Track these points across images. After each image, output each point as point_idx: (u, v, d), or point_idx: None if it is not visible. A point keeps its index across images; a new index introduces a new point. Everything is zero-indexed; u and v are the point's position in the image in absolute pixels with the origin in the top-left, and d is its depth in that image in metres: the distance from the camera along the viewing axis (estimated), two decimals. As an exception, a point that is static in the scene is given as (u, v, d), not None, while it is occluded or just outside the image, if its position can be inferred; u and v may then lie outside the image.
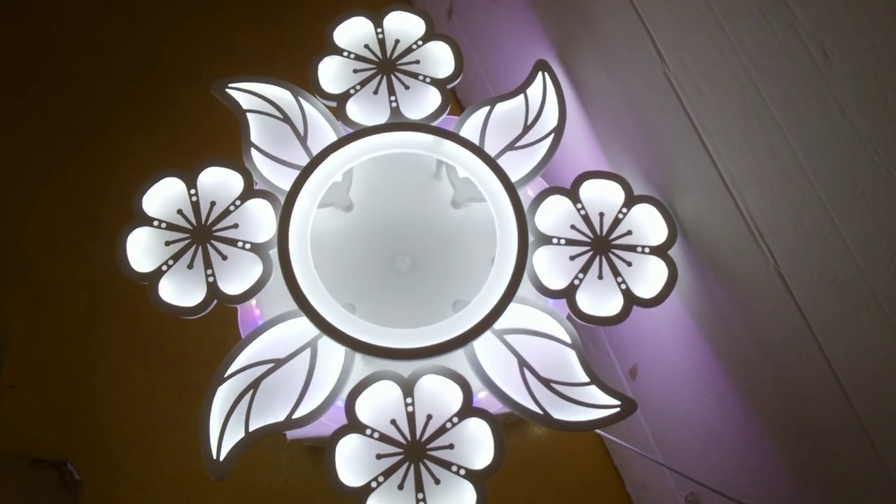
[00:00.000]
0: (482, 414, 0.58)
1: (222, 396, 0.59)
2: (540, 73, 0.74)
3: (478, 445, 0.58)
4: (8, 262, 0.99)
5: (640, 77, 0.65)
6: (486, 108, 0.71)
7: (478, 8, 0.94)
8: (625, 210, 0.67)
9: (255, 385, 0.60)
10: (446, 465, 0.57)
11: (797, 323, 0.56)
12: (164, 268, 0.61)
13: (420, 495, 0.56)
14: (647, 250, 0.65)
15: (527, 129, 0.72)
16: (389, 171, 0.74)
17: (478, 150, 0.65)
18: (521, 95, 0.73)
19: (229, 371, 0.60)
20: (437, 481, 0.56)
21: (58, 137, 1.08)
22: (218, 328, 0.93)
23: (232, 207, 0.63)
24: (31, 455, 0.91)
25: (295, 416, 0.59)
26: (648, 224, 0.66)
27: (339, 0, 1.14)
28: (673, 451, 0.77)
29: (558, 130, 0.72)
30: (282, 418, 0.59)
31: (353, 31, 0.72)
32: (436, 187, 0.73)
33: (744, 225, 0.58)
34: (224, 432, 0.58)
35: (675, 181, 0.66)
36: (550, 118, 0.72)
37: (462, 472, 0.57)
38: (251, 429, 0.58)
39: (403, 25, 0.72)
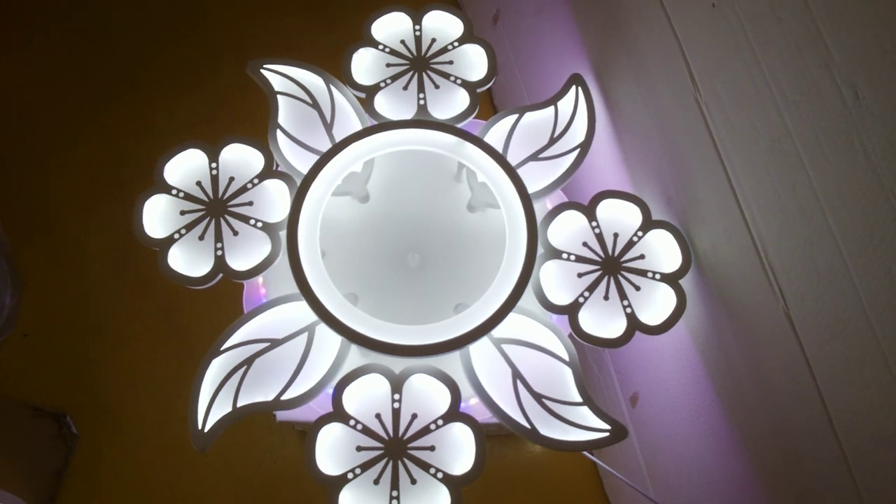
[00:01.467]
0: (468, 420, 0.59)
1: (216, 369, 0.61)
2: (573, 87, 0.74)
3: (459, 451, 0.58)
4: (35, 213, 1.02)
5: (672, 100, 0.65)
6: (515, 116, 0.72)
7: (523, 17, 0.94)
8: (640, 233, 0.66)
9: (248, 362, 0.61)
10: (425, 466, 0.57)
11: (801, 371, 0.55)
12: (176, 236, 0.62)
13: (394, 493, 0.56)
14: (657, 276, 0.64)
15: (553, 140, 0.72)
16: (410, 168, 0.74)
17: (498, 157, 0.66)
18: (552, 107, 0.73)
19: (226, 345, 0.61)
20: (414, 481, 0.57)
21: (97, 97, 1.11)
22: (228, 305, 0.95)
23: (250, 185, 0.65)
24: (34, 403, 0.94)
25: (283, 397, 0.60)
26: (663, 250, 0.66)
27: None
28: (665, 486, 0.76)
29: (584, 146, 0.72)
30: (270, 398, 0.60)
31: (391, 26, 0.73)
32: (454, 189, 0.74)
33: (758, 262, 0.58)
34: (212, 405, 0.59)
35: (694, 210, 0.65)
36: (578, 133, 0.72)
37: (440, 475, 0.57)
38: (239, 405, 0.59)
39: (442, 25, 0.73)
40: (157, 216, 0.63)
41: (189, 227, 0.63)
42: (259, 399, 0.60)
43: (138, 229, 0.62)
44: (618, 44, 0.72)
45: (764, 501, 0.63)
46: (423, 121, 0.66)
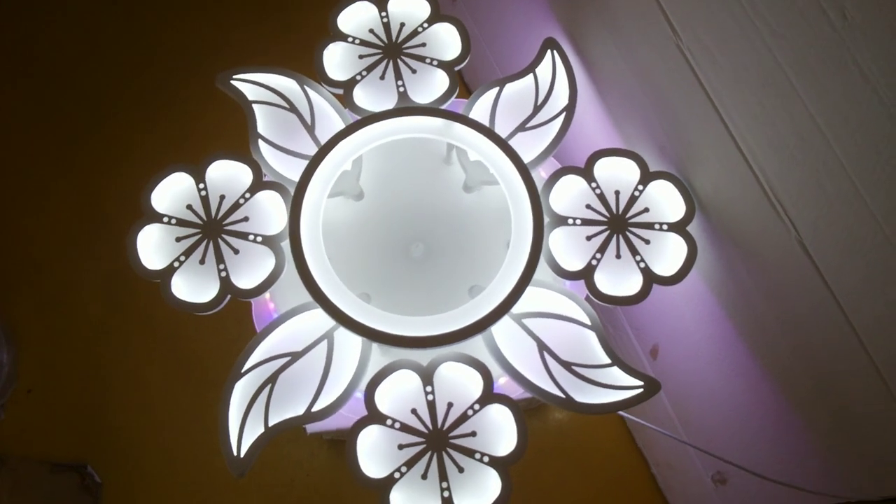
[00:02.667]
0: (504, 400, 0.58)
1: (240, 392, 0.59)
2: (549, 52, 0.73)
3: (500, 432, 0.58)
4: (18, 265, 1.00)
5: (652, 51, 0.64)
6: (496, 90, 0.71)
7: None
8: (640, 187, 0.66)
9: (272, 379, 0.60)
10: (469, 452, 0.57)
11: (823, 295, 0.55)
12: (176, 264, 0.61)
13: (444, 484, 0.56)
14: (664, 227, 0.64)
15: (537, 108, 0.71)
16: (399, 158, 0.73)
17: (489, 132, 0.65)
18: (531, 75, 0.73)
19: (246, 366, 0.60)
20: (461, 469, 0.56)
21: (61, 138, 1.08)
22: (232, 324, 0.94)
23: (241, 200, 0.63)
24: (52, 460, 0.92)
25: (314, 408, 0.59)
26: (665, 200, 0.66)
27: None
28: (699, 430, 0.77)
29: (569, 109, 0.71)
30: (301, 412, 0.59)
31: (357, 16, 0.71)
32: (447, 172, 0.73)
33: (764, 197, 0.58)
34: (244, 428, 0.58)
35: (691, 156, 0.65)
36: (561, 97, 0.72)
37: (486, 459, 0.57)
38: (271, 423, 0.58)
39: (408, 8, 0.72)
40: (153, 247, 0.61)
41: (187, 252, 0.61)
42: (290, 415, 0.59)
43: (135, 263, 0.61)
44: (588, 3, 0.71)
45: (800, 427, 0.63)
46: (407, 108, 0.65)
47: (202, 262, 0.61)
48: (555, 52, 0.73)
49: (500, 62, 1.01)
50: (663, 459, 0.83)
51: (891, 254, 0.49)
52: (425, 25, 0.71)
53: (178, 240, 0.62)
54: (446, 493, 0.56)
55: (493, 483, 0.56)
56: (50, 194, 1.05)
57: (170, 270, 0.61)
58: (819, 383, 0.59)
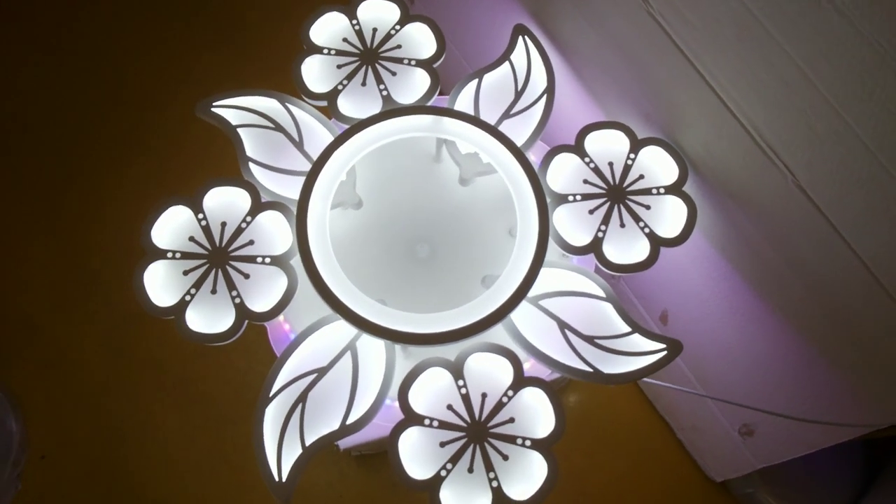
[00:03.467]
0: (536, 382, 0.59)
1: (272, 416, 0.59)
2: (520, 38, 0.75)
3: (537, 414, 0.58)
4: (13, 331, 0.97)
5: (624, 21, 0.66)
6: (475, 82, 0.72)
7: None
8: (632, 156, 0.67)
9: (302, 398, 0.59)
10: (510, 439, 0.57)
11: (826, 232, 0.57)
12: (188, 297, 0.60)
13: (491, 475, 0.56)
14: (661, 191, 0.66)
15: (518, 94, 0.72)
16: (390, 162, 0.74)
17: (478, 122, 0.66)
18: (507, 63, 0.74)
19: (274, 389, 0.60)
20: (506, 457, 0.57)
21: (38, 197, 1.06)
22: (239, 357, 0.93)
23: (244, 225, 0.63)
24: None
25: (349, 421, 0.59)
26: (658, 165, 0.67)
27: (291, 10, 1.12)
28: (719, 387, 0.78)
29: (550, 91, 0.72)
30: (336, 426, 0.59)
31: (328, 28, 0.72)
32: (439, 170, 0.74)
33: (755, 146, 0.59)
34: (281, 452, 0.58)
35: (676, 118, 0.67)
36: (540, 80, 0.73)
37: (527, 443, 0.57)
38: (308, 443, 0.58)
39: (377, 13, 0.72)
40: (161, 284, 0.61)
41: (197, 284, 0.61)
42: (326, 431, 0.59)
43: (146, 303, 0.60)
44: (551, -17, 0.73)
45: (823, 365, 0.65)
46: (394, 110, 0.66)
47: (213, 291, 0.61)
48: (526, 37, 0.75)
49: (469, 58, 1.02)
50: (688, 423, 0.84)
51: (888, 181, 0.51)
52: (397, 28, 0.72)
53: (186, 273, 0.61)
54: (495, 484, 0.56)
55: (538, 466, 0.57)
56: (34, 255, 1.02)
57: (182, 305, 0.60)
58: (835, 317, 0.61)
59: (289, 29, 0.70)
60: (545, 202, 0.63)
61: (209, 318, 0.60)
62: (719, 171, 0.65)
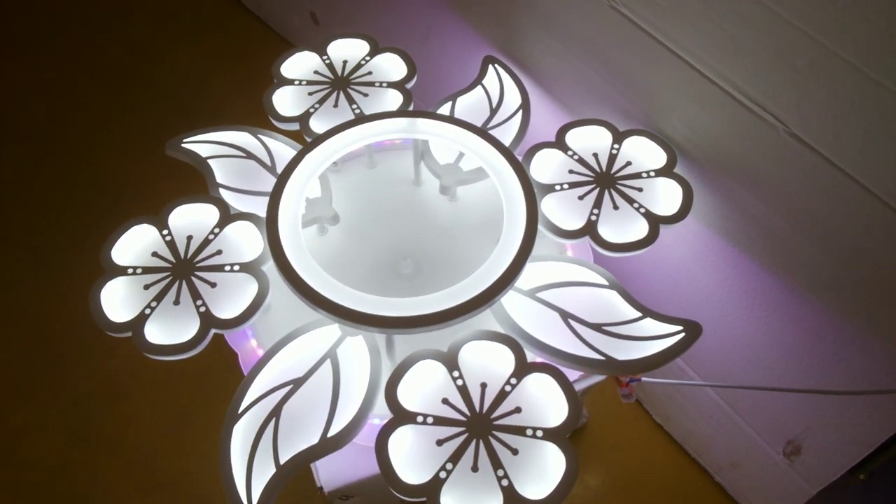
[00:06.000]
0: (541, 367, 0.52)
1: (241, 434, 0.52)
2: (490, 66, 0.76)
3: (547, 402, 0.51)
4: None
5: (590, 24, 0.68)
6: (449, 104, 0.72)
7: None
8: (616, 146, 0.66)
9: (275, 412, 0.52)
10: (519, 430, 0.50)
11: (830, 175, 0.54)
12: (148, 311, 0.55)
13: (500, 472, 0.48)
14: (652, 174, 0.64)
15: (494, 111, 0.72)
16: (368, 186, 0.72)
17: (452, 119, 0.65)
18: (479, 87, 0.75)
19: (243, 406, 0.53)
20: (515, 451, 0.49)
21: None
22: (215, 428, 0.84)
23: (211, 236, 0.60)
24: None
25: (331, 433, 0.51)
26: (644, 154, 0.66)
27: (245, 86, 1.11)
28: (755, 398, 0.70)
29: (525, 106, 0.73)
30: (315, 440, 0.51)
31: (299, 65, 0.73)
32: (419, 191, 0.72)
33: (739, 107, 0.58)
34: (251, 472, 0.50)
35: (656, 106, 0.66)
36: (514, 98, 0.74)
37: (539, 433, 0.50)
38: (283, 460, 0.50)
39: (347, 51, 0.75)
40: (119, 301, 0.56)
41: (159, 297, 0.56)
42: (304, 446, 0.51)
43: (100, 319, 0.55)
44: (517, 10, 0.76)
45: (855, 336, 0.58)
46: (367, 115, 0.65)
47: (177, 302, 0.56)
48: (496, 65, 0.76)
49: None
50: (725, 461, 0.74)
51: (883, 95, 0.49)
52: (367, 58, 0.74)
53: (147, 287, 0.57)
54: (505, 482, 0.47)
55: (554, 459, 0.49)
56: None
57: (141, 319, 0.55)
58: (861, 274, 0.56)
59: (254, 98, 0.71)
60: (530, 185, 0.60)
61: (171, 329, 0.55)
62: (708, 147, 0.63)
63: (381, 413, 0.53)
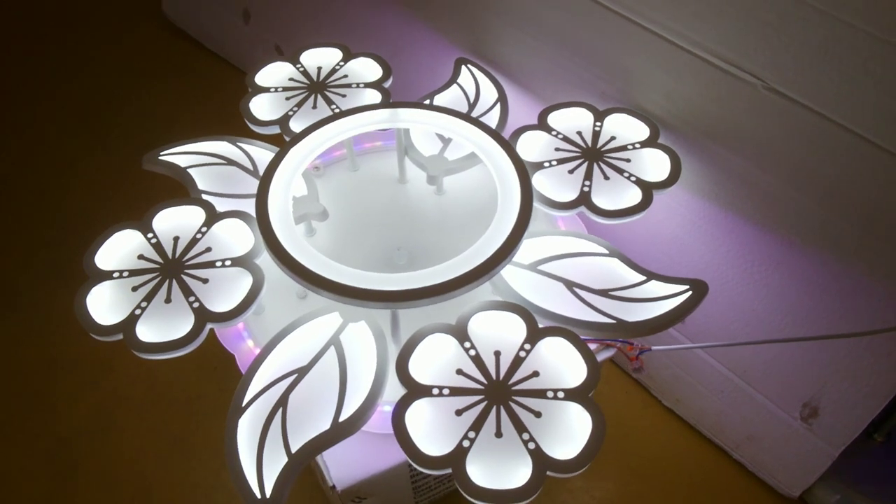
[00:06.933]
0: (554, 331, 0.52)
1: (247, 427, 0.49)
2: (463, 66, 0.78)
3: (564, 363, 0.50)
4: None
5: (560, 13, 0.70)
6: (427, 102, 0.73)
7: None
8: (598, 124, 0.67)
9: (282, 402, 0.50)
10: (539, 394, 0.48)
11: (813, 123, 0.56)
12: (138, 311, 0.53)
13: (525, 436, 0.46)
14: (637, 145, 0.65)
15: (472, 105, 0.73)
16: (354, 184, 0.71)
17: (432, 107, 0.65)
18: (455, 85, 0.76)
19: (246, 399, 0.51)
20: (538, 414, 0.47)
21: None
22: (211, 456, 0.79)
23: (199, 235, 0.58)
24: None
25: (342, 418, 0.49)
26: (626, 129, 0.67)
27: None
28: (760, 365, 0.70)
29: (502, 99, 0.74)
30: (327, 426, 0.49)
31: (273, 74, 0.74)
32: (406, 188, 0.71)
33: (716, 70, 0.60)
34: (262, 464, 0.47)
35: (632, 82, 0.68)
36: (490, 93, 0.75)
37: (561, 394, 0.48)
38: (294, 449, 0.48)
39: (320, 59, 0.75)
40: (106, 305, 0.54)
41: (149, 297, 0.54)
42: (315, 433, 0.49)
43: (88, 323, 0.52)
44: (487, 11, 0.78)
45: (860, 280, 0.59)
46: (346, 110, 0.65)
47: (168, 300, 0.54)
48: (468, 65, 0.78)
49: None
50: (741, 435, 0.73)
51: (854, 36, 0.51)
52: (342, 63, 0.74)
53: (135, 289, 0.54)
54: (532, 445, 0.46)
55: (579, 418, 0.48)
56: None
57: (131, 320, 0.52)
58: (859, 218, 0.57)
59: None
60: (521, 160, 0.60)
61: (164, 328, 0.52)
62: (689, 115, 0.65)
63: (391, 400, 0.51)
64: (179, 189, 0.64)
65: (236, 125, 0.72)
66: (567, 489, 0.77)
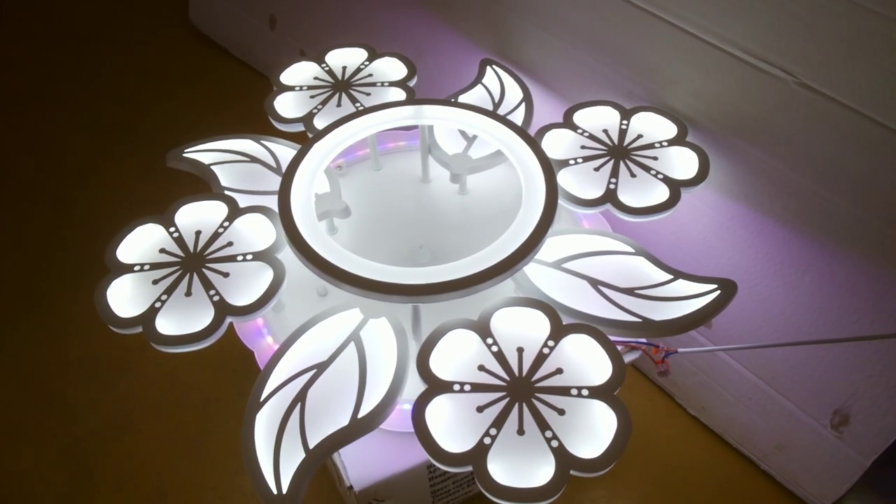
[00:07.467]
0: (579, 328, 0.51)
1: (265, 422, 0.49)
2: (488, 67, 0.78)
3: (589, 360, 0.49)
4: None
5: (586, 13, 0.69)
6: (451, 101, 0.73)
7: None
8: (625, 122, 0.66)
9: (300, 397, 0.50)
10: (563, 391, 0.47)
11: (847, 119, 0.55)
12: (158, 304, 0.53)
13: (548, 433, 0.45)
14: (665, 143, 0.64)
15: (497, 105, 0.73)
16: (377, 183, 0.71)
17: (456, 104, 0.65)
18: (479, 86, 0.76)
19: (264, 394, 0.50)
20: (562, 411, 0.46)
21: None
22: (226, 458, 0.79)
23: (221, 230, 0.58)
24: None
25: (361, 414, 0.49)
26: (653, 127, 0.66)
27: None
28: (790, 372, 0.68)
29: (527, 99, 0.74)
30: (346, 422, 0.48)
31: (298, 73, 0.74)
32: (429, 187, 0.71)
33: (746, 67, 0.59)
34: (279, 459, 0.47)
35: (660, 81, 0.67)
36: (515, 93, 0.75)
37: (585, 392, 0.47)
38: (312, 445, 0.47)
39: (345, 58, 0.76)
40: (127, 298, 0.54)
41: (169, 290, 0.54)
42: (333, 428, 0.48)
43: (108, 315, 0.52)
44: (513, 13, 0.78)
45: (883, 275, 0.58)
46: (370, 106, 0.65)
47: (188, 294, 0.54)
48: (493, 66, 0.78)
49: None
50: (769, 445, 0.71)
51: (889, 26, 0.50)
52: (367, 63, 0.74)
53: (156, 282, 0.54)
54: (555, 443, 0.45)
55: (603, 416, 0.46)
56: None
57: (151, 313, 0.52)
58: (873, 204, 0.55)
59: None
60: (546, 157, 0.60)
61: (184, 320, 0.52)
62: (718, 113, 0.64)
63: (410, 398, 0.51)
64: (202, 190, 0.65)
65: (261, 129, 0.73)
66: (589, 498, 0.75)
